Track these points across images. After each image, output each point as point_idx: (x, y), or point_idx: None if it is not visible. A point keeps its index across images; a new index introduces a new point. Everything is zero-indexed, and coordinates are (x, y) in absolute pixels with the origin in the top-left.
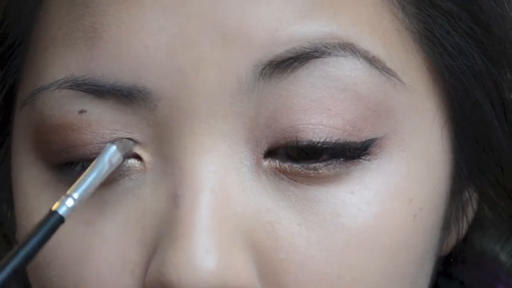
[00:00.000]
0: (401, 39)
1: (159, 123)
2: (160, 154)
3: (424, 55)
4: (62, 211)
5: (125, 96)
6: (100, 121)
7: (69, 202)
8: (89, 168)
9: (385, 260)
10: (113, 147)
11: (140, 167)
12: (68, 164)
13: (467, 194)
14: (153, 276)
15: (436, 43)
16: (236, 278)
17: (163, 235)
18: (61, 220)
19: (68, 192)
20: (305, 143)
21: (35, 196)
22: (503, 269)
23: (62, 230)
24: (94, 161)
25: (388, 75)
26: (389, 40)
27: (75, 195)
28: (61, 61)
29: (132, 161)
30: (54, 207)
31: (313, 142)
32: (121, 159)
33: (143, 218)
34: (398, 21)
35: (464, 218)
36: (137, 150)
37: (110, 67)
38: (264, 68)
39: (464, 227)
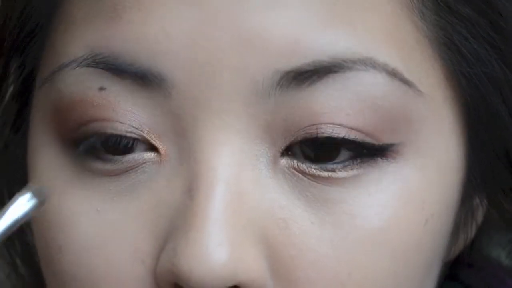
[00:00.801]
0: (419, 48)
1: (173, 112)
2: (175, 145)
3: (441, 62)
4: None
5: (140, 78)
6: (119, 100)
7: None
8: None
9: (395, 262)
10: (28, 194)
11: (155, 158)
12: (84, 140)
13: (477, 200)
14: (165, 266)
15: (454, 50)
16: (247, 271)
17: (176, 227)
18: None
19: None
20: (324, 137)
21: (52, 178)
22: (508, 273)
23: (72, 216)
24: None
25: (406, 86)
26: (407, 50)
27: None
28: (81, 39)
29: (148, 154)
30: None
31: (332, 138)
32: (37, 205)
33: (156, 209)
34: (417, 29)
35: (474, 223)
36: (154, 141)
37: (127, 47)
38: (282, 78)
39: (472, 232)
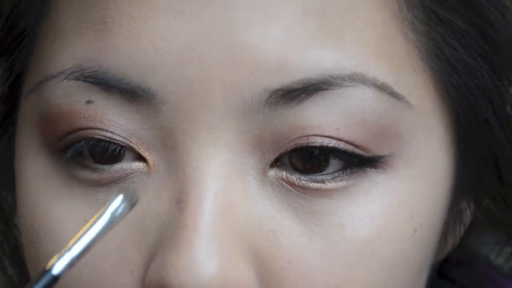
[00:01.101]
0: (409, 59)
1: (162, 126)
2: (164, 157)
3: (431, 73)
4: (57, 269)
5: (129, 93)
6: (107, 113)
7: (66, 259)
8: (91, 220)
9: (385, 272)
10: (120, 196)
11: (144, 169)
12: (71, 146)
13: (464, 203)
14: (153, 278)
15: (444, 61)
16: (236, 284)
17: (165, 238)
18: (54, 279)
19: (68, 245)
20: (314, 147)
21: (39, 186)
22: (498, 271)
23: (59, 226)
24: (97, 214)
25: (396, 99)
26: (397, 61)
27: (73, 252)
28: (69, 50)
29: (137, 164)
30: (48, 265)
31: (323, 147)
32: (128, 209)
33: (145, 220)
34: (407, 40)
35: (461, 226)
36: (142, 152)
37: (117, 62)
38: (270, 96)
39: (461, 234)
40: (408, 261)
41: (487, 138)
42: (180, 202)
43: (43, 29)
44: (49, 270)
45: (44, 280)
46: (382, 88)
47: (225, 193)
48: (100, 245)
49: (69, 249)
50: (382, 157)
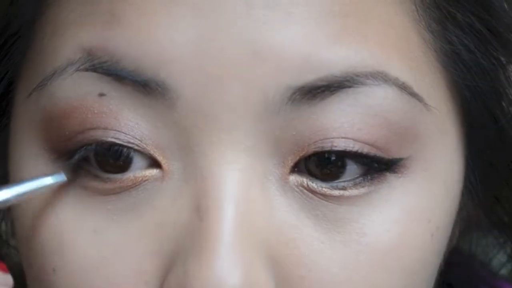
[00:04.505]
0: (426, 61)
1: (177, 125)
2: (179, 161)
3: (445, 74)
4: None
5: (142, 86)
6: (121, 108)
7: None
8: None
9: (404, 279)
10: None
11: (157, 175)
12: (80, 149)
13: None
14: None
15: (458, 62)
16: None
17: (184, 247)
18: None
19: None
20: (337, 151)
21: (42, 195)
22: (489, 270)
23: (66, 237)
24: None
25: (415, 100)
26: (415, 63)
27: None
28: (73, 41)
29: (150, 171)
30: None
31: (346, 152)
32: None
33: (160, 229)
34: (424, 41)
35: (458, 227)
36: (157, 156)
37: (129, 53)
38: (294, 93)
39: (456, 235)
40: (426, 267)
41: (497, 140)
42: (199, 209)
43: (40, 26)
44: None
45: None
46: (403, 88)
47: (246, 200)
48: (112, 257)
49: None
50: (401, 160)
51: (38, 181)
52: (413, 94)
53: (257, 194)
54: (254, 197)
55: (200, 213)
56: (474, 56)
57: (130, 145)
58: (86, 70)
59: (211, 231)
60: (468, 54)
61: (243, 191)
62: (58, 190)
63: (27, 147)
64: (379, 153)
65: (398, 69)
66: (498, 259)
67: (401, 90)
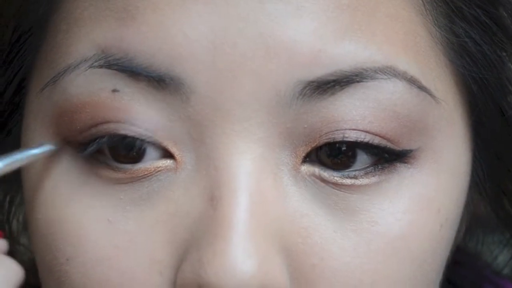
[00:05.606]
0: (433, 55)
1: (191, 118)
2: (192, 152)
3: (452, 68)
4: None
5: (156, 81)
6: (133, 103)
7: None
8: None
9: (415, 268)
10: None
11: (170, 166)
12: (93, 142)
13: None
14: (188, 277)
15: (465, 56)
16: (274, 282)
17: (197, 236)
18: None
19: None
20: (348, 142)
21: (55, 186)
22: (492, 269)
23: (80, 227)
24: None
25: (424, 93)
26: (422, 57)
27: None
28: (88, 38)
29: (163, 161)
30: None
31: (357, 143)
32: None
33: (174, 219)
34: (431, 35)
35: (464, 223)
36: (170, 148)
37: (143, 49)
38: (305, 88)
39: (463, 231)
40: (435, 257)
41: (504, 132)
42: (213, 199)
43: (53, 23)
44: None
45: None
46: (412, 81)
47: (258, 189)
48: (126, 247)
49: None
50: (411, 151)
51: (26, 152)
52: (421, 88)
53: (270, 184)
54: (266, 187)
55: (213, 202)
56: (480, 48)
57: (142, 137)
58: (100, 67)
59: (225, 220)
60: (475, 46)
61: (256, 181)
62: (68, 179)
63: (39, 139)
64: (389, 145)
65: (406, 63)
66: (504, 255)
67: (410, 83)
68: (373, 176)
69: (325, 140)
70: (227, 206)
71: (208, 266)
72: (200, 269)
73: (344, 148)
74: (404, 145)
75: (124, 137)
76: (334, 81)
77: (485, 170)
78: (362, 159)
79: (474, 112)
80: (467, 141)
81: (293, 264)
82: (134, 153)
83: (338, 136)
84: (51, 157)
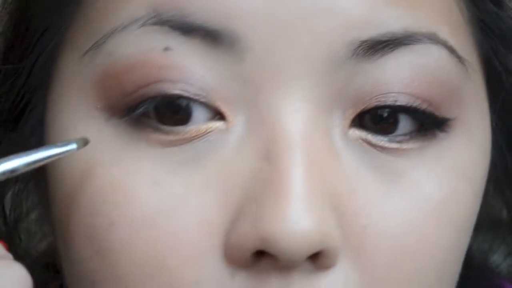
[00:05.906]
0: (462, 28)
1: (243, 77)
2: (243, 112)
3: (477, 47)
4: None
5: (211, 37)
6: (186, 62)
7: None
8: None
9: (455, 235)
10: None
11: (221, 127)
12: (142, 103)
13: None
14: (247, 232)
15: (489, 34)
16: (330, 238)
17: (254, 195)
18: None
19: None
20: (397, 106)
21: (96, 152)
22: (492, 270)
23: (126, 189)
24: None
25: (461, 64)
26: (455, 30)
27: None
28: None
29: (214, 123)
30: None
31: (406, 107)
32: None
33: (226, 179)
34: (459, 9)
35: None
36: (222, 108)
37: (198, 6)
38: (358, 47)
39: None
40: (469, 227)
41: None
42: (269, 156)
43: None
44: None
45: None
46: (452, 50)
47: (312, 148)
48: (175, 209)
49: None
50: (449, 120)
51: (48, 151)
52: (459, 58)
53: (323, 144)
54: (319, 146)
55: (270, 159)
56: (503, 23)
57: (196, 97)
58: (153, 24)
59: (284, 175)
60: (497, 24)
61: (311, 139)
62: (112, 144)
63: (76, 109)
64: (433, 110)
65: (445, 33)
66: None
67: (451, 52)
68: (416, 141)
69: (375, 103)
70: (285, 162)
71: (270, 218)
72: (261, 223)
73: (386, 115)
74: (444, 112)
75: (178, 97)
76: (385, 41)
77: (498, 162)
78: (405, 124)
79: (492, 88)
80: (489, 120)
81: (343, 225)
82: (181, 115)
83: (388, 100)
84: (89, 128)
